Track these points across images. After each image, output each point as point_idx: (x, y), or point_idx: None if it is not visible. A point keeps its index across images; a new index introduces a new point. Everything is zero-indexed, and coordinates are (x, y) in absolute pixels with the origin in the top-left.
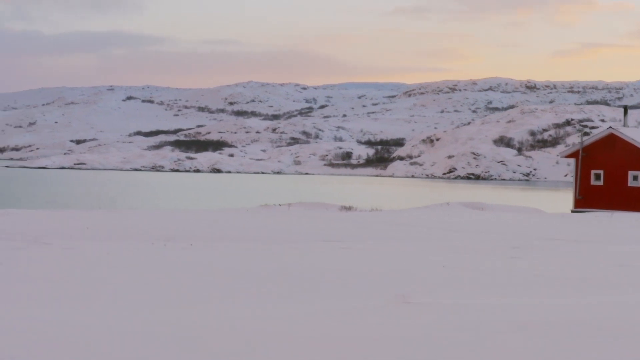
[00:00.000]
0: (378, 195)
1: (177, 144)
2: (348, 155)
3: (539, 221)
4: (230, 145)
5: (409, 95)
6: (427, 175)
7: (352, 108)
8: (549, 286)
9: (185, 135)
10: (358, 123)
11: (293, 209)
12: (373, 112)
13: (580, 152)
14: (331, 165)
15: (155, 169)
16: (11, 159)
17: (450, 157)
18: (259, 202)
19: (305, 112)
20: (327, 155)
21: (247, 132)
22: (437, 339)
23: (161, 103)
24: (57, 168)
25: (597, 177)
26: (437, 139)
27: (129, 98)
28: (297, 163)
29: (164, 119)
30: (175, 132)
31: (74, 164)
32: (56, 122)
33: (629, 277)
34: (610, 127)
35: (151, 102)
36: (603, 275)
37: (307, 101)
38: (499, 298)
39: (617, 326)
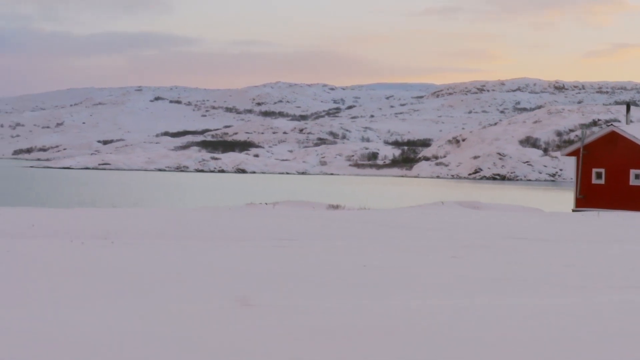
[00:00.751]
0: (394, 195)
1: (204, 145)
2: (374, 155)
3: (525, 220)
4: (257, 146)
5: (437, 96)
6: (452, 175)
7: (380, 109)
8: (454, 288)
9: (212, 136)
10: (385, 123)
11: (277, 208)
12: (401, 113)
13: (581, 150)
14: (357, 165)
15: (180, 169)
16: (38, 159)
17: (475, 157)
18: (260, 201)
19: (333, 113)
20: (353, 155)
21: (274, 133)
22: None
23: (189, 104)
24: (81, 168)
25: (599, 175)
26: (463, 140)
27: (157, 99)
28: (323, 164)
29: (191, 120)
30: (202, 132)
31: (98, 165)
32: (84, 123)
33: (559, 278)
34: (611, 124)
35: (179, 102)
36: (535, 275)
37: (334, 102)
38: (355, 299)
39: (479, 334)
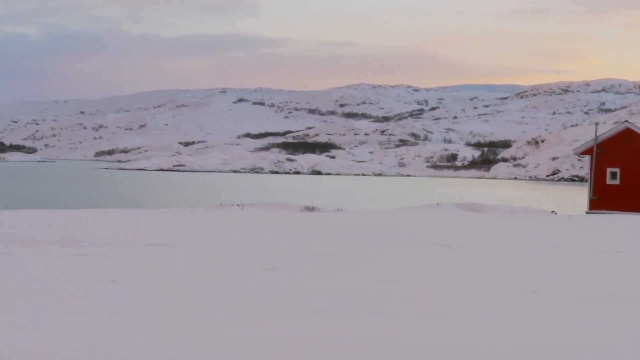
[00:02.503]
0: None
1: (285, 146)
2: (453, 157)
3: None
4: (338, 147)
5: (521, 97)
6: (530, 177)
7: (464, 110)
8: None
9: (294, 137)
10: (468, 125)
11: (246, 210)
12: (484, 114)
13: (595, 148)
14: (434, 167)
15: (255, 170)
16: (119, 161)
17: (554, 158)
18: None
19: (416, 114)
20: (432, 157)
21: (355, 134)
22: None
23: (272, 105)
24: (156, 170)
25: (613, 175)
26: (542, 141)
27: (240, 100)
28: (402, 165)
29: (273, 121)
30: (283, 134)
31: (173, 166)
32: (166, 125)
33: (402, 296)
34: (626, 121)
35: (262, 104)
36: (382, 289)
37: (418, 103)
38: None
39: None
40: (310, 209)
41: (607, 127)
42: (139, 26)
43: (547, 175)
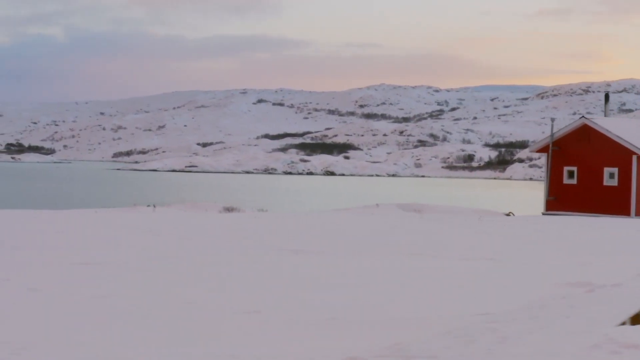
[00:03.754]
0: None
1: (302, 147)
2: (470, 157)
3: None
4: (356, 148)
5: (542, 97)
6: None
7: (484, 110)
8: None
9: (312, 138)
10: (487, 125)
11: (159, 211)
12: (504, 115)
13: (551, 145)
14: (450, 167)
15: (268, 171)
16: (136, 161)
17: None
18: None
19: (436, 115)
20: (448, 157)
21: (373, 135)
22: None
23: (291, 106)
24: (168, 171)
25: (571, 174)
26: None
27: (260, 101)
28: (418, 166)
29: (293, 122)
30: (302, 135)
31: (185, 167)
32: (185, 126)
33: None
34: (582, 116)
35: (281, 105)
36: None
37: (438, 104)
38: None
39: None
40: (230, 209)
41: None
42: (163, 27)
43: None
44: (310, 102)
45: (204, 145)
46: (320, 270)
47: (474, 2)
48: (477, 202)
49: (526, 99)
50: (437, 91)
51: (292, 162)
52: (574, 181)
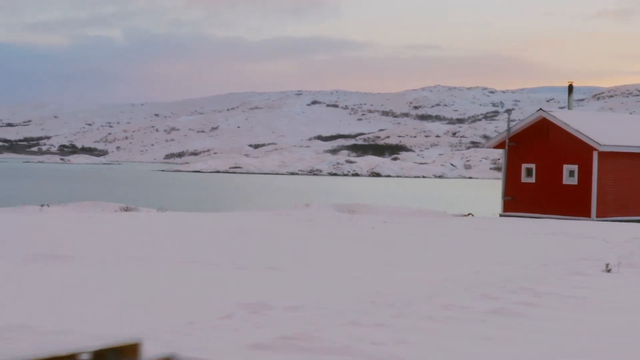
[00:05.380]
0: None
1: (354, 148)
2: None
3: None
4: (409, 150)
5: (597, 99)
6: None
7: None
8: None
9: (364, 140)
10: None
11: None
12: None
13: (507, 141)
14: (498, 169)
15: (313, 172)
16: (187, 163)
17: None
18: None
19: (490, 116)
20: (499, 159)
21: (426, 136)
22: None
23: (346, 107)
24: (212, 172)
25: (529, 172)
26: None
27: (314, 102)
28: (467, 167)
29: (346, 123)
30: (354, 136)
31: (229, 168)
32: (238, 127)
33: None
34: (540, 109)
35: (336, 106)
36: None
37: (493, 105)
38: None
39: None
40: (126, 209)
41: None
42: (222, 29)
43: None
44: (365, 104)
45: (256, 146)
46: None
47: (534, 3)
48: (475, 203)
49: (582, 100)
50: (492, 92)
51: (338, 163)
52: (532, 180)
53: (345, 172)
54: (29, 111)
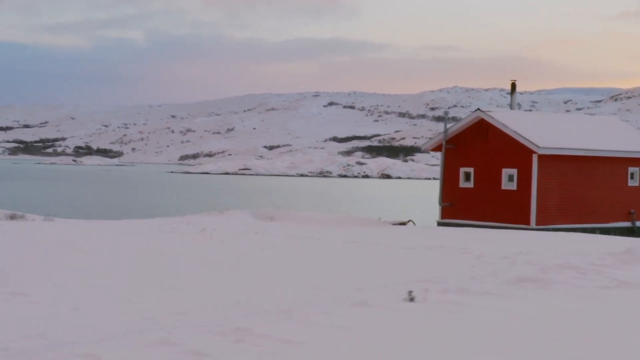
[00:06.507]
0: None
1: (369, 150)
2: None
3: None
4: (423, 151)
5: (615, 100)
6: None
7: (555, 113)
8: None
9: (379, 141)
10: None
11: None
12: None
13: (444, 144)
14: None
15: (323, 174)
16: (200, 164)
17: None
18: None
19: None
20: None
21: None
22: None
23: (362, 109)
24: (221, 174)
25: (467, 177)
26: None
27: (331, 104)
28: None
29: (362, 125)
30: (370, 137)
31: (239, 170)
32: (254, 128)
33: None
34: (478, 109)
35: (352, 108)
36: None
37: (510, 106)
38: None
39: None
40: (12, 217)
41: None
42: (243, 31)
43: None
44: (381, 105)
45: (271, 148)
46: None
47: (553, 4)
48: None
49: (599, 101)
50: (509, 94)
51: (348, 165)
52: (471, 184)
53: (355, 174)
54: (46, 112)
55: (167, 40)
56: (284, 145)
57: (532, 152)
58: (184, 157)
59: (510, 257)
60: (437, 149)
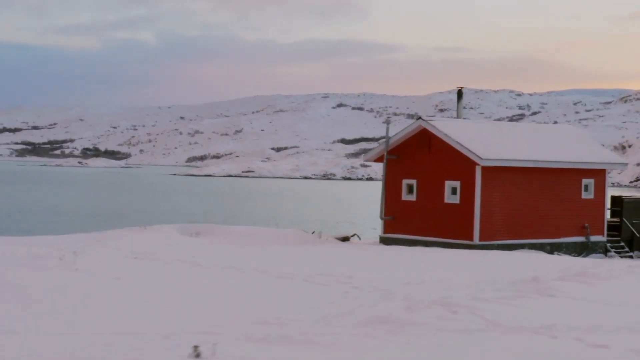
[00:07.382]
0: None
1: None
2: None
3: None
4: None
5: (625, 101)
6: (612, 183)
7: (565, 115)
8: None
9: None
10: None
11: None
12: (585, 119)
13: (386, 154)
14: None
15: (327, 177)
16: (206, 166)
17: (639, 164)
18: None
19: (516, 119)
20: None
21: None
22: None
23: (371, 110)
24: (224, 176)
25: (410, 189)
26: (629, 146)
27: (340, 105)
28: None
29: (371, 126)
30: (378, 139)
31: (242, 172)
32: (262, 130)
33: None
34: (420, 117)
35: (361, 109)
36: None
37: (520, 108)
38: None
39: None
40: None
41: None
42: (253, 32)
43: (631, 182)
44: (390, 107)
45: (278, 149)
46: None
47: (563, 5)
48: None
49: (609, 103)
50: (519, 95)
51: (352, 167)
52: (414, 197)
53: (360, 177)
54: (55, 114)
55: (177, 41)
56: (291, 147)
57: (475, 163)
58: (191, 159)
59: (389, 290)
60: (379, 159)
